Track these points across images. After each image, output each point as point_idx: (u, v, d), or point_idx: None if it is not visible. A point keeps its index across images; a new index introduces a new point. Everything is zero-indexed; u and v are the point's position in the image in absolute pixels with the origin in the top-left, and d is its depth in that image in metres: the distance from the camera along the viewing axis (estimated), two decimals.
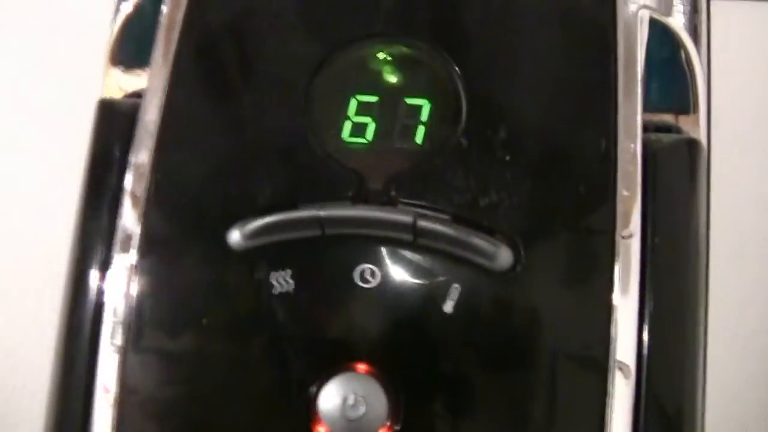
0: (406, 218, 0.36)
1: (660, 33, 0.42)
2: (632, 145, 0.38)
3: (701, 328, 0.38)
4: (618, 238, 0.37)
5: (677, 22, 0.43)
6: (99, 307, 0.38)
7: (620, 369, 0.36)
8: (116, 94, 0.43)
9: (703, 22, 0.44)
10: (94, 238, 0.39)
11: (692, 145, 0.39)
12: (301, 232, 0.37)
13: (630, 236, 0.37)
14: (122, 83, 0.43)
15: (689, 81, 0.42)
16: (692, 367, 0.37)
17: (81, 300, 0.39)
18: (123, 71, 0.42)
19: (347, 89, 0.39)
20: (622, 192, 0.37)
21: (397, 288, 0.36)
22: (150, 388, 0.37)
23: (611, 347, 0.36)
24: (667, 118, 0.42)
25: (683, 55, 0.42)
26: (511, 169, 0.37)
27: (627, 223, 0.37)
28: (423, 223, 0.36)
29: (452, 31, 0.40)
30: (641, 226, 0.37)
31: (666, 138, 0.39)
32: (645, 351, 0.36)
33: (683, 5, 0.43)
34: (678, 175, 0.39)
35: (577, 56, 0.39)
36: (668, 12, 0.42)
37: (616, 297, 0.36)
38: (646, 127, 0.40)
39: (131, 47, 0.43)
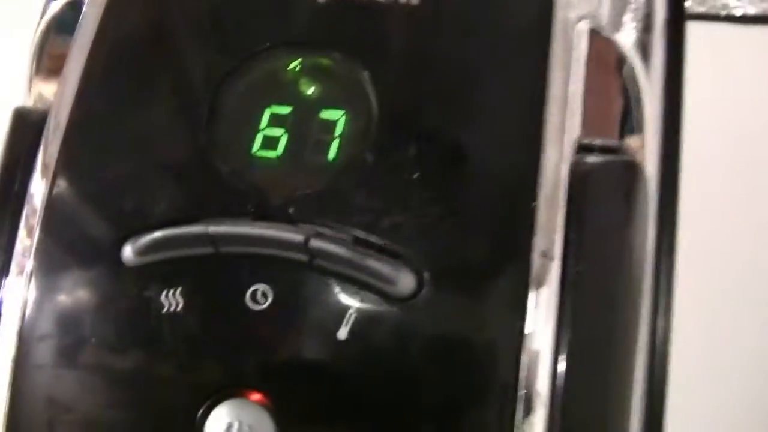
0: (298, 237, 0.34)
1: None
2: (559, 166, 0.36)
3: (627, 359, 0.35)
4: (534, 261, 0.34)
5: (624, 37, 0.40)
6: None
7: (528, 401, 0.33)
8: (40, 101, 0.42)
9: (658, 41, 0.41)
10: None
11: (627, 166, 0.37)
12: (194, 249, 0.35)
13: (546, 257, 0.34)
14: (44, 90, 0.42)
15: (634, 99, 0.39)
16: (613, 401, 0.34)
17: None
18: (43, 79, 0.41)
19: (260, 100, 0.37)
20: (542, 215, 0.34)
21: (289, 311, 0.34)
22: (36, 405, 0.35)
23: (521, 377, 0.33)
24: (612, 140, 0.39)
25: (628, 72, 0.39)
26: (420, 188, 0.35)
27: (547, 247, 0.34)
28: (316, 243, 0.34)
29: (368, 39, 0.37)
30: (563, 253, 0.34)
31: (599, 159, 0.37)
32: (559, 383, 0.34)
33: (635, 22, 0.40)
34: (607, 199, 0.36)
35: (502, 68, 0.37)
36: (616, 29, 0.40)
37: (529, 325, 0.33)
38: (590, 148, 0.37)
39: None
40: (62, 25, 0.42)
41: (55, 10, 0.42)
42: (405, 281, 0.34)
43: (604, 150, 0.38)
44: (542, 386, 0.34)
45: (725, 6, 0.70)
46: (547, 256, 0.34)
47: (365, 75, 0.37)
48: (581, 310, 0.34)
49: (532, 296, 0.34)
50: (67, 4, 0.42)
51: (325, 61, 0.37)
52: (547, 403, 0.33)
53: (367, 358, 0.34)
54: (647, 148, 0.40)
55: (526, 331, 0.34)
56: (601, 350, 0.34)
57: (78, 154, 0.37)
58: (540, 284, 0.34)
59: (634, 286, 0.36)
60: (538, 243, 0.34)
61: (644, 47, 0.40)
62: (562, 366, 0.34)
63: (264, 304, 0.34)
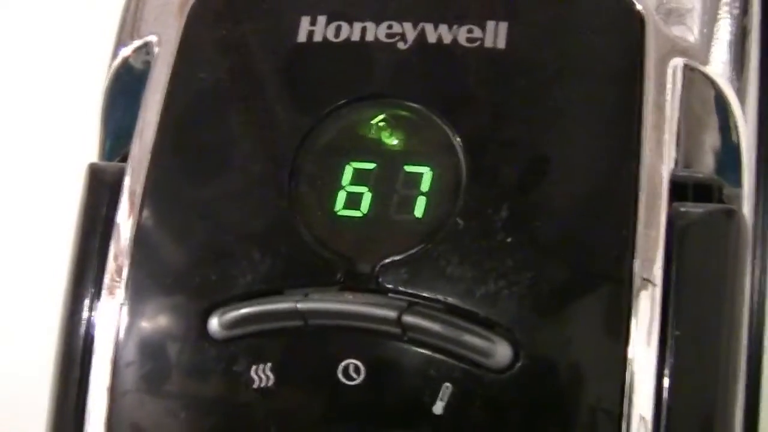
0: (390, 313, 0.33)
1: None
2: (656, 215, 0.34)
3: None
4: (632, 327, 0.33)
5: (716, 69, 0.38)
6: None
7: None
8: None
9: (753, 71, 0.39)
10: (78, 315, 0.37)
11: (729, 215, 0.35)
12: (282, 323, 0.34)
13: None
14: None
15: (732, 147, 0.37)
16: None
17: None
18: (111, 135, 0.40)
19: (341, 156, 0.36)
20: (641, 280, 0.33)
21: (383, 386, 0.33)
22: None
23: None
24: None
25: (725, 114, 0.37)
26: (513, 251, 0.34)
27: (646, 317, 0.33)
28: (409, 318, 0.33)
29: (452, 91, 0.36)
30: (660, 321, 0.33)
31: (700, 210, 0.35)
32: None
33: (729, 54, 0.38)
34: (706, 255, 0.34)
35: (594, 113, 0.35)
36: (709, 61, 0.38)
37: (626, 403, 0.32)
38: (685, 187, 0.36)
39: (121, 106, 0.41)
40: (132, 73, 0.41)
41: (123, 56, 0.41)
42: (502, 353, 0.33)
43: (699, 187, 0.36)
44: None
45: None
46: (649, 281, 0.33)
47: (451, 127, 0.35)
48: (682, 369, 0.33)
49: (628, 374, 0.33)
50: (136, 50, 0.41)
51: (408, 114, 0.36)
52: None
53: None
54: (744, 184, 0.38)
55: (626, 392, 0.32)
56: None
57: (157, 222, 0.36)
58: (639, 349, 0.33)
59: (734, 345, 0.34)
60: (637, 312, 0.33)
61: (738, 75, 0.38)
62: None
63: (357, 379, 0.33)
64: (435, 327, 0.33)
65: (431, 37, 0.36)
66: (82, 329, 0.37)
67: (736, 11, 0.38)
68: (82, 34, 0.48)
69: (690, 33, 0.37)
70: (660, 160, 0.35)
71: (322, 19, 0.37)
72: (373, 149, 0.36)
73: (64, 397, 0.36)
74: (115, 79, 0.41)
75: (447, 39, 0.36)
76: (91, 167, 0.39)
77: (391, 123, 0.36)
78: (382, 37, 0.36)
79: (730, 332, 0.34)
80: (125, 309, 0.36)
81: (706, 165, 0.38)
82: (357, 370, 0.33)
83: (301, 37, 0.37)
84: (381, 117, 0.36)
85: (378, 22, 0.37)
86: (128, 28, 0.42)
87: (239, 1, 0.39)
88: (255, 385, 0.34)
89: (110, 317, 0.36)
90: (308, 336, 0.34)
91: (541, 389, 0.33)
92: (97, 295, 0.37)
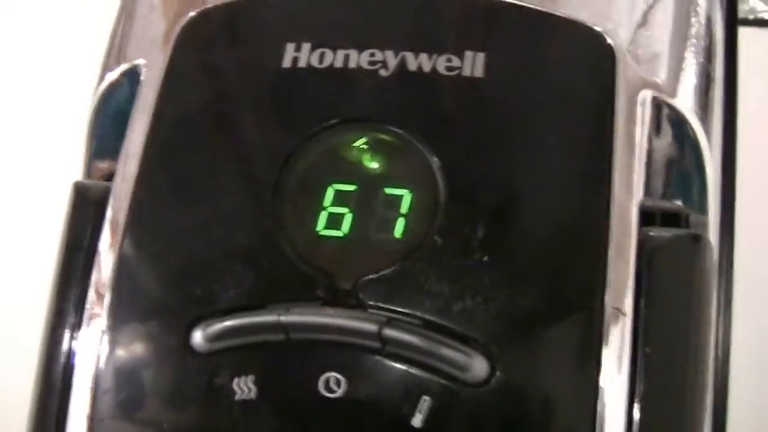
0: (371, 327, 0.34)
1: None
2: (626, 243, 0.36)
3: None
4: (603, 355, 0.34)
5: (684, 103, 0.39)
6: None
7: None
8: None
9: (718, 104, 0.41)
10: (61, 328, 0.37)
11: (695, 240, 0.37)
12: (265, 336, 0.35)
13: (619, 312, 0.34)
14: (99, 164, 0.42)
15: (699, 177, 0.39)
16: None
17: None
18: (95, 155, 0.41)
19: (324, 178, 0.37)
20: (612, 309, 0.34)
21: (363, 399, 0.34)
22: None
23: None
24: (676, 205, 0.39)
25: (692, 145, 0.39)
26: (489, 269, 0.35)
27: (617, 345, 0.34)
28: (389, 332, 0.34)
29: (432, 117, 0.37)
30: (631, 347, 0.34)
31: (667, 234, 0.36)
32: None
33: (695, 85, 0.40)
34: (675, 278, 0.36)
35: (568, 140, 0.37)
36: (676, 93, 0.39)
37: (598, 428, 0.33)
38: (652, 215, 0.37)
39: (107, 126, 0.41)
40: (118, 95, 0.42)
41: (110, 80, 0.42)
42: (478, 367, 0.34)
43: (667, 215, 0.38)
44: None
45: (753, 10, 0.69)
46: (620, 311, 0.34)
47: (430, 151, 0.36)
48: (653, 394, 0.34)
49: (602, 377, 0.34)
50: (123, 74, 0.42)
51: (389, 138, 0.37)
52: None
53: None
54: (710, 212, 0.40)
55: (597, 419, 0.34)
56: None
57: (141, 244, 0.37)
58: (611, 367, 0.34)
59: (702, 368, 0.35)
60: (609, 304, 0.34)
61: (704, 109, 0.40)
62: None
63: (338, 391, 0.34)
64: (414, 341, 0.34)
65: (412, 65, 0.38)
66: (62, 355, 0.37)
67: (701, 56, 0.40)
68: (67, 58, 0.49)
69: (658, 70, 0.39)
70: (630, 190, 0.36)
71: (306, 46, 0.38)
72: (355, 171, 0.37)
73: (41, 425, 0.37)
74: (102, 103, 0.42)
75: (427, 67, 0.38)
76: (76, 186, 0.39)
77: (373, 146, 0.37)
78: (364, 64, 0.38)
79: (698, 356, 0.35)
80: (107, 335, 0.36)
81: (673, 194, 0.39)
82: (338, 382, 0.34)
83: (286, 63, 0.38)
84: (362, 140, 0.37)
85: (361, 50, 0.38)
86: (115, 52, 0.43)
87: (226, 27, 0.40)
88: (237, 397, 0.35)
89: (91, 344, 0.37)
90: (290, 349, 0.35)
91: (516, 403, 0.34)
92: (78, 321, 0.37)
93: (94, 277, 0.37)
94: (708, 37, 0.41)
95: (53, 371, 0.37)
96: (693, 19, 0.41)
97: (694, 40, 0.40)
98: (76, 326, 0.37)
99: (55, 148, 0.46)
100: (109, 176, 0.40)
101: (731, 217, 0.42)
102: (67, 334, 0.37)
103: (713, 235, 0.40)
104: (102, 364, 0.36)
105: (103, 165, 0.41)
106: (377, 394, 0.34)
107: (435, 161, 0.36)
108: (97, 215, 0.38)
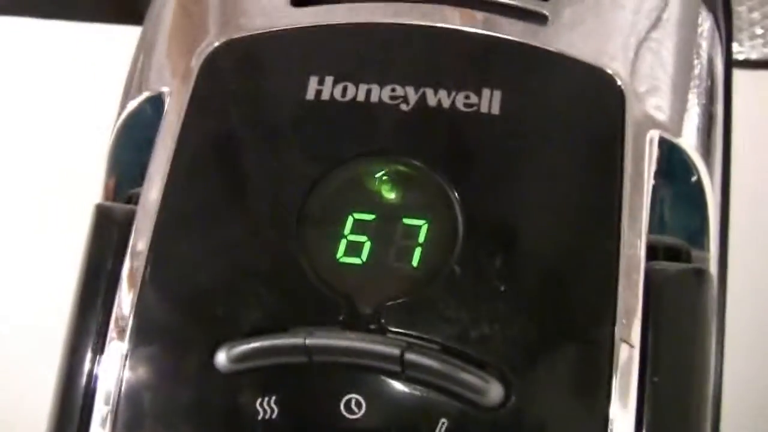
0: (394, 351, 0.35)
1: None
2: (634, 276, 0.37)
3: None
4: (614, 386, 0.35)
5: (689, 142, 0.41)
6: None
7: None
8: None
9: (718, 136, 0.43)
10: (82, 350, 0.38)
11: (699, 275, 0.38)
12: (288, 358, 0.36)
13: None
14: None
15: (701, 215, 0.41)
16: None
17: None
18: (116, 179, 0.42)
19: (344, 206, 0.38)
20: (620, 341, 0.36)
21: (383, 420, 0.35)
22: None
23: None
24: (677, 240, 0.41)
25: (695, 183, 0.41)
26: (505, 298, 0.36)
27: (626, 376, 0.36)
28: (410, 356, 0.35)
29: (450, 151, 0.39)
30: (639, 379, 0.36)
31: (671, 268, 0.38)
32: None
33: (698, 124, 0.42)
34: (681, 311, 0.37)
35: (581, 176, 0.38)
36: (681, 132, 0.41)
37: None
38: (655, 250, 0.39)
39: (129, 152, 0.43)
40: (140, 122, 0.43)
41: (132, 107, 0.43)
42: (494, 391, 0.35)
43: (669, 250, 0.39)
44: None
45: None
46: (628, 342, 0.35)
47: (448, 184, 0.38)
48: (660, 422, 0.35)
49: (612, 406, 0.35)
50: (145, 101, 0.43)
51: (409, 170, 0.38)
52: None
53: None
54: (711, 249, 0.41)
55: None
56: None
57: (166, 260, 0.38)
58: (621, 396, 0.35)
59: (707, 390, 0.37)
60: (618, 335, 0.36)
61: (707, 149, 0.42)
62: None
63: (358, 413, 0.35)
64: (434, 365, 0.35)
65: (431, 101, 0.39)
66: (83, 378, 0.37)
67: (704, 97, 0.42)
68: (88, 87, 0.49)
69: (664, 111, 0.41)
70: (638, 225, 0.38)
71: (329, 80, 0.40)
72: (374, 201, 0.38)
73: None
74: (123, 129, 0.43)
75: (446, 103, 0.39)
76: (99, 208, 0.40)
77: (392, 178, 0.39)
78: (386, 99, 0.39)
79: (703, 385, 0.37)
80: (130, 356, 0.37)
81: (675, 230, 0.41)
82: (358, 404, 0.35)
83: (310, 95, 0.40)
84: (383, 172, 0.39)
85: (382, 85, 0.39)
86: (137, 80, 0.44)
87: (250, 57, 0.42)
88: (259, 417, 0.36)
89: (113, 366, 0.37)
90: (312, 371, 0.36)
91: (529, 428, 0.35)
92: (99, 342, 0.38)
93: (117, 298, 0.38)
94: (710, 77, 0.43)
95: (73, 395, 0.37)
96: (696, 61, 0.43)
97: (697, 81, 0.42)
98: (98, 348, 0.38)
99: (73, 172, 0.47)
100: (128, 200, 0.41)
101: (725, 253, 0.44)
102: (88, 356, 0.38)
103: (713, 272, 0.41)
104: (124, 386, 0.37)
105: (123, 189, 0.42)
106: (397, 415, 0.35)
107: (453, 194, 0.38)
108: (120, 237, 0.39)
